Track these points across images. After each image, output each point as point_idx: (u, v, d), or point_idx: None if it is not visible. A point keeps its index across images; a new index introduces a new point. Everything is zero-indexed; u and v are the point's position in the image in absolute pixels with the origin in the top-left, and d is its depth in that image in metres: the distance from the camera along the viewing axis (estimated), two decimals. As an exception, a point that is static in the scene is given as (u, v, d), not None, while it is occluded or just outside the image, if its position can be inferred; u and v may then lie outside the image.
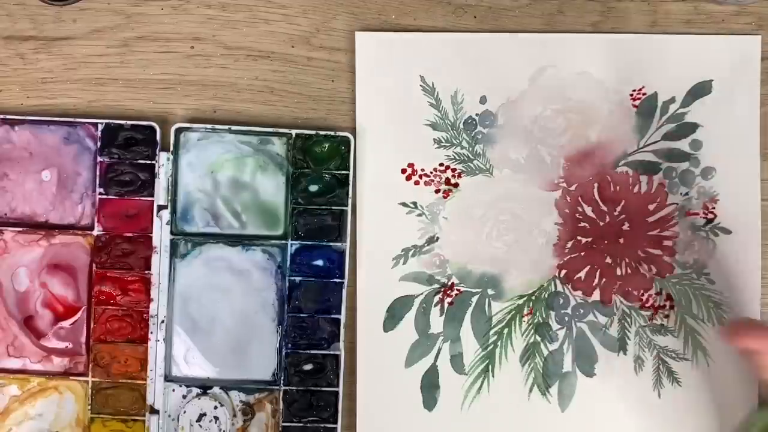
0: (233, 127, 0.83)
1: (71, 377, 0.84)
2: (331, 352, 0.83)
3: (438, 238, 0.84)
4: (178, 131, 0.83)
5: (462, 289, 0.84)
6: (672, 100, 0.83)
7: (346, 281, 0.83)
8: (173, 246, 0.83)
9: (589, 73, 0.83)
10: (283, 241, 0.83)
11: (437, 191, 0.84)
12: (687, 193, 0.84)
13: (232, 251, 0.84)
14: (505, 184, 0.84)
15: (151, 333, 0.83)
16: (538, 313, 0.84)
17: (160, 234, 0.83)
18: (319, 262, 0.83)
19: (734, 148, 0.83)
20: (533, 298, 0.84)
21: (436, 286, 0.84)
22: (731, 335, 0.75)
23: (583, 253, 0.84)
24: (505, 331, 0.84)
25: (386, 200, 0.84)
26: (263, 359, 0.84)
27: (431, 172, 0.84)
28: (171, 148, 0.82)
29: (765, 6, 0.84)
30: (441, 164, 0.84)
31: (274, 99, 0.84)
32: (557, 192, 0.84)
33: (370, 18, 0.84)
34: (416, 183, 0.84)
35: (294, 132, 0.83)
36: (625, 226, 0.84)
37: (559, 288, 0.84)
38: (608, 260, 0.84)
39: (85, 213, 0.84)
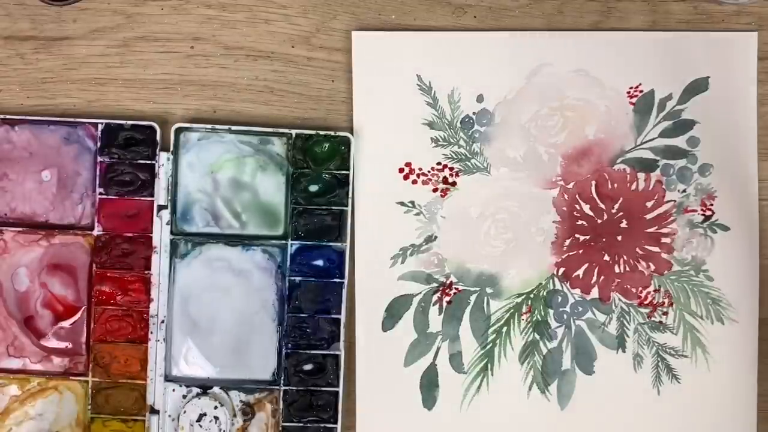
0: (233, 127, 0.83)
1: (71, 377, 0.84)
2: (331, 352, 0.83)
3: (436, 237, 0.84)
4: (178, 131, 0.83)
5: (460, 287, 0.84)
6: (669, 97, 0.83)
7: (346, 281, 0.83)
8: (173, 246, 0.83)
9: (586, 70, 0.83)
10: (283, 241, 0.83)
11: (435, 190, 0.84)
12: (685, 190, 0.84)
13: (232, 251, 0.84)
14: (502, 183, 0.84)
15: (151, 333, 0.83)
16: (536, 312, 0.84)
17: (160, 234, 0.83)
18: (319, 262, 0.83)
19: (731, 145, 0.83)
20: (532, 296, 0.84)
21: (434, 285, 0.84)
22: None
23: (581, 251, 0.84)
24: (504, 329, 0.84)
25: (384, 199, 0.84)
26: (263, 359, 0.84)
27: (429, 171, 0.84)
28: (171, 148, 0.83)
29: (765, 6, 0.84)
30: (438, 163, 0.84)
31: (274, 99, 0.84)
32: (555, 190, 0.84)
33: (370, 18, 0.84)
34: (414, 182, 0.84)
35: (294, 132, 0.83)
36: (623, 224, 0.84)
37: (558, 286, 0.84)
38: (606, 258, 0.84)
39: (85, 213, 0.84)
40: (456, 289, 0.84)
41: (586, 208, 0.84)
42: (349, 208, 0.83)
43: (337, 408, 0.83)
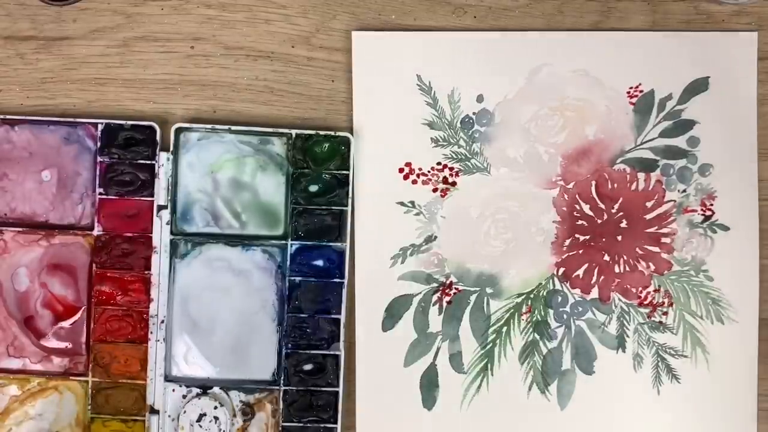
0: (233, 127, 0.83)
1: (71, 377, 0.84)
2: (331, 352, 0.83)
3: (436, 237, 0.84)
4: (178, 131, 0.83)
5: (460, 287, 0.84)
6: (669, 96, 0.83)
7: (346, 281, 0.83)
8: (173, 246, 0.83)
9: (586, 70, 0.83)
10: (283, 241, 0.83)
11: (435, 190, 0.84)
12: (685, 190, 0.84)
13: (232, 251, 0.84)
14: (502, 183, 0.84)
15: (151, 333, 0.83)
16: (536, 312, 0.84)
17: (160, 234, 0.83)
18: (319, 262, 0.83)
19: (731, 145, 0.84)
20: (532, 296, 0.84)
21: (434, 285, 0.84)
22: None
23: (581, 251, 0.84)
24: (504, 329, 0.84)
25: (384, 200, 0.84)
26: (263, 359, 0.84)
27: (429, 171, 0.84)
28: (171, 148, 0.83)
29: (765, 6, 0.84)
30: (438, 163, 0.84)
31: (274, 99, 0.85)
32: (555, 190, 0.84)
33: (370, 18, 0.84)
34: (414, 182, 0.84)
35: (294, 132, 0.83)
36: (623, 224, 0.84)
37: (558, 286, 0.84)
38: (606, 258, 0.84)
39: (85, 213, 0.84)
40: (456, 289, 0.84)
41: (586, 208, 0.84)
42: (349, 208, 0.83)
43: (337, 408, 0.83)
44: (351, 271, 0.84)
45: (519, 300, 0.84)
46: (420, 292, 0.84)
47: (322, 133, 0.83)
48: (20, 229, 0.83)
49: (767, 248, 0.84)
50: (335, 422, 0.83)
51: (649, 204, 0.84)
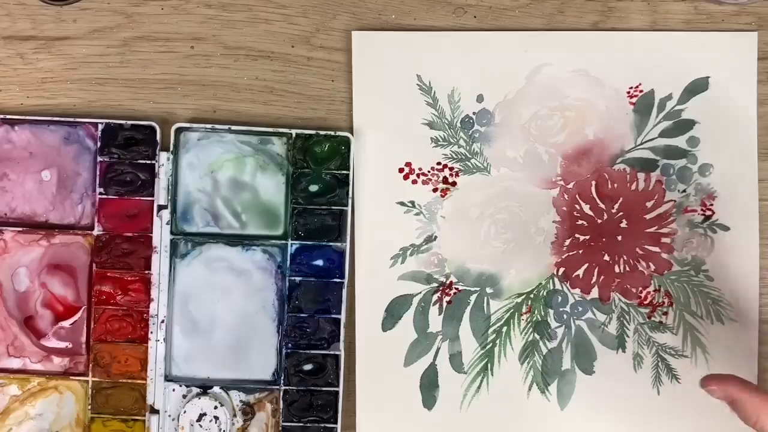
0: (233, 127, 0.83)
1: (71, 377, 0.84)
2: (331, 352, 0.83)
3: (436, 237, 0.84)
4: (178, 131, 0.83)
5: (460, 287, 0.84)
6: (669, 96, 0.83)
7: (346, 281, 0.83)
8: (173, 246, 0.83)
9: (586, 70, 0.83)
10: (283, 241, 0.83)
11: (435, 190, 0.84)
12: (685, 190, 0.84)
13: (232, 251, 0.84)
14: (502, 183, 0.84)
15: (151, 333, 0.83)
16: (536, 312, 0.84)
17: (160, 234, 0.83)
18: (319, 262, 0.83)
19: (731, 145, 0.84)
20: (532, 296, 0.84)
21: (434, 285, 0.84)
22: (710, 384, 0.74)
23: (581, 251, 0.84)
24: (504, 329, 0.84)
25: (384, 200, 0.84)
26: (263, 359, 0.84)
27: (429, 171, 0.84)
28: (171, 148, 0.83)
29: (765, 6, 0.84)
30: (438, 163, 0.84)
31: (274, 99, 0.84)
32: (555, 190, 0.84)
33: (370, 18, 0.84)
34: (414, 182, 0.84)
35: (294, 132, 0.83)
36: (623, 224, 0.84)
37: (558, 286, 0.84)
38: (606, 258, 0.84)
39: (85, 213, 0.84)
40: (456, 289, 0.84)
41: (586, 208, 0.84)
42: (349, 208, 0.83)
43: (337, 408, 0.83)
44: (351, 271, 0.84)
45: (519, 300, 0.84)
46: (420, 292, 0.84)
47: (322, 133, 0.83)
48: (20, 229, 0.83)
49: (767, 248, 0.84)
50: (335, 422, 0.83)
51: (649, 204, 0.84)
